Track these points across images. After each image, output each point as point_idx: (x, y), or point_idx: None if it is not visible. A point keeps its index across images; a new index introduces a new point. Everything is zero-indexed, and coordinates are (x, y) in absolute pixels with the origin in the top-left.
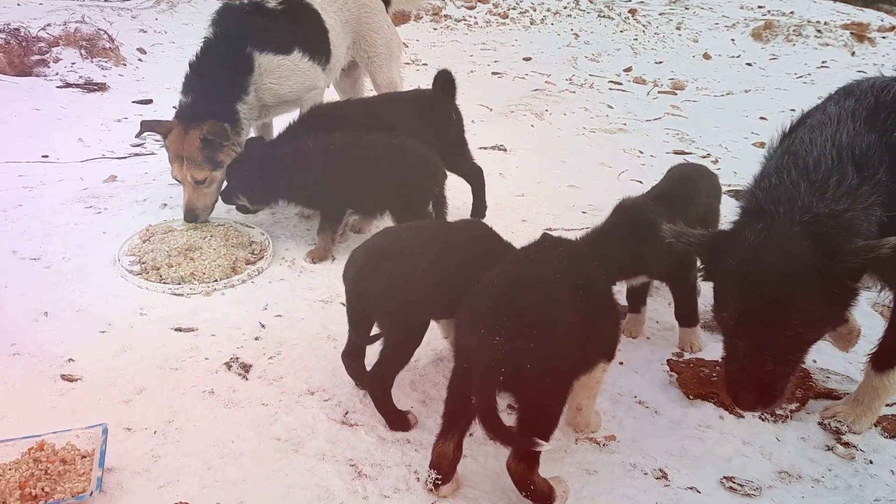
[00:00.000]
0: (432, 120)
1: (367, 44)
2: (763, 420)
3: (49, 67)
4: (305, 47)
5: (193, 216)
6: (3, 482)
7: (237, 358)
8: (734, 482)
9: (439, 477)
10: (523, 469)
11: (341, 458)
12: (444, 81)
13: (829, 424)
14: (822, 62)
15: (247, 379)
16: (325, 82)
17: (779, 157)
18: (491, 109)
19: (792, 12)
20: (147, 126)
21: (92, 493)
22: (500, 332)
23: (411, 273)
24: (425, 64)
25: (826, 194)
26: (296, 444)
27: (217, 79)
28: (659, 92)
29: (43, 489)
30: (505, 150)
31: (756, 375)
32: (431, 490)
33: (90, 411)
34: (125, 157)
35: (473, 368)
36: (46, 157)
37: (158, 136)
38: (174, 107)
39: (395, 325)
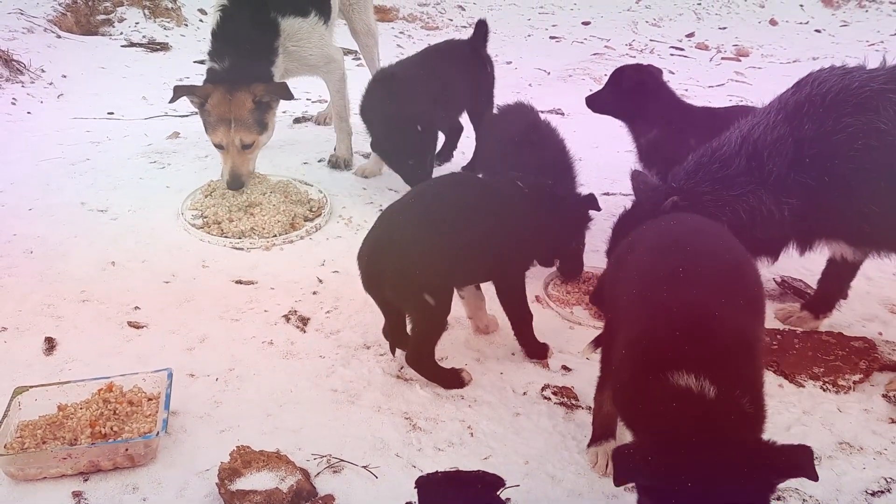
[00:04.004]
0: (471, 69)
1: None
2: (825, 391)
3: (114, 27)
4: (317, 7)
5: (239, 183)
6: (75, 420)
7: (295, 311)
8: None
9: None
10: None
11: (396, 411)
12: (483, 32)
13: (894, 397)
14: None
15: (304, 331)
16: (341, 55)
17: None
18: (549, 73)
19: None
20: (182, 91)
21: (158, 433)
22: None
23: (414, 255)
24: None
25: (698, 176)
26: (352, 395)
27: (249, 43)
28: (722, 58)
29: (112, 428)
30: (563, 114)
31: None
32: None
33: (155, 357)
34: (187, 115)
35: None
36: (112, 113)
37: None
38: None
39: (415, 309)
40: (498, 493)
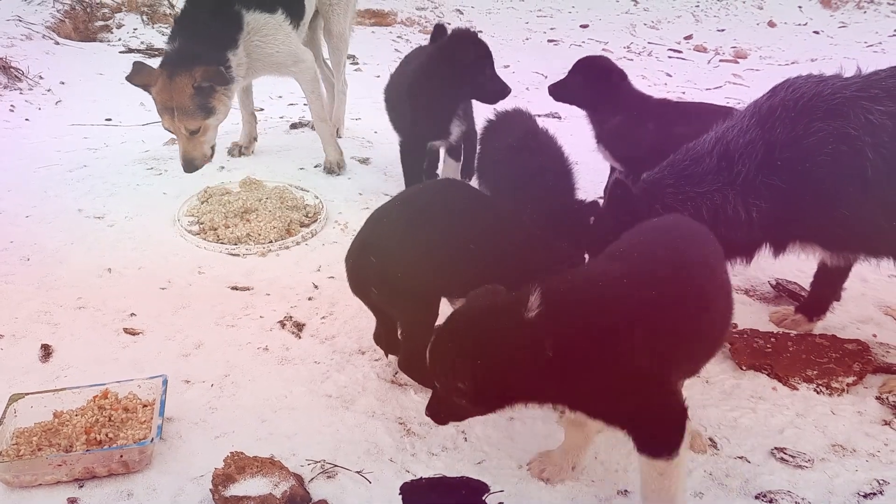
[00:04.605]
0: None
1: None
2: (818, 393)
3: (112, 33)
4: (285, 7)
5: (193, 166)
6: (70, 427)
7: (291, 317)
8: (786, 453)
9: None
10: None
11: (391, 416)
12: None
13: (887, 399)
14: (895, 31)
15: (300, 337)
16: (311, 56)
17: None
18: (546, 77)
19: None
20: (134, 70)
21: (153, 440)
22: None
23: (396, 258)
24: (480, 31)
25: (666, 170)
26: (347, 401)
27: (207, 29)
28: (720, 60)
29: (107, 435)
30: (559, 117)
31: None
32: None
33: (151, 364)
34: None
35: None
36: (110, 120)
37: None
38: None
39: (401, 313)
40: (484, 498)
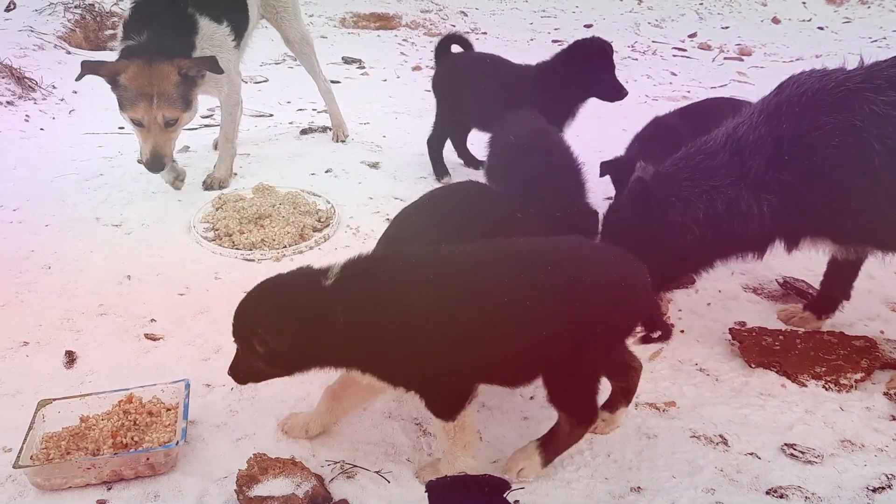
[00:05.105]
0: None
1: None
2: (827, 389)
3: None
4: (230, 22)
5: (161, 164)
6: (97, 431)
7: None
8: (795, 449)
9: None
10: None
11: (407, 417)
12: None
13: (895, 395)
14: None
15: None
16: (240, 81)
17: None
18: None
19: None
20: (89, 67)
21: (178, 442)
22: None
23: None
24: (485, 33)
25: (680, 164)
26: None
27: (167, 24)
28: (725, 58)
29: (133, 438)
30: None
31: None
32: None
33: (172, 368)
34: (196, 129)
35: None
36: (123, 128)
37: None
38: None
39: None
40: (504, 495)
